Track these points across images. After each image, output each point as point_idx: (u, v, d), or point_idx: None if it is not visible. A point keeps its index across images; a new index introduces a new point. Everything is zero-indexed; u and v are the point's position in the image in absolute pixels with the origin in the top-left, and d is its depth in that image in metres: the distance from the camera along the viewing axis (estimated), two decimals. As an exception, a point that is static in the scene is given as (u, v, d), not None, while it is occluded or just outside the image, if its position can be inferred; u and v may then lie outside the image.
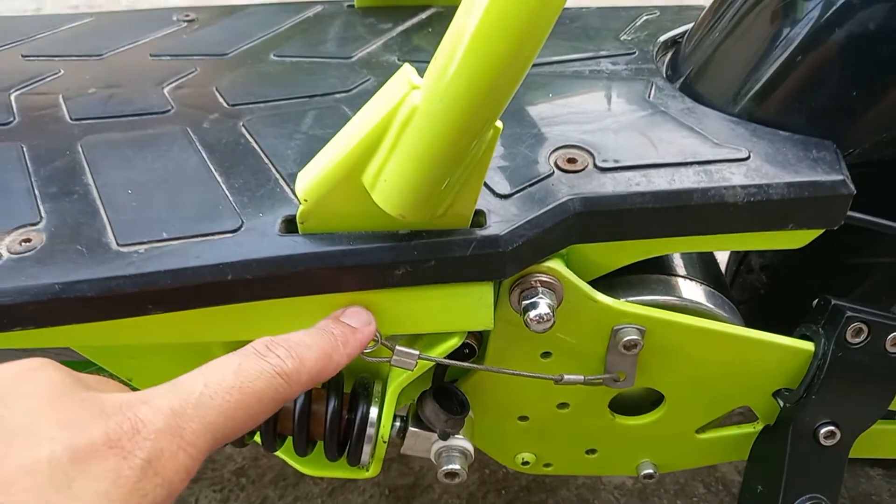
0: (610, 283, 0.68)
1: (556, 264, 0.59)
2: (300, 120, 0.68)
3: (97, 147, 0.66)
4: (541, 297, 0.58)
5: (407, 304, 0.57)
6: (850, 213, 0.59)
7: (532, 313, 0.58)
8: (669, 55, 0.78)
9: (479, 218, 0.56)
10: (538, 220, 0.56)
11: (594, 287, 0.62)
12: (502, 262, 0.55)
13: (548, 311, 0.58)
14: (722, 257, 0.95)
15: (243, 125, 0.68)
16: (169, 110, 0.71)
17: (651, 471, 0.77)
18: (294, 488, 0.99)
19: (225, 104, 0.72)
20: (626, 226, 0.58)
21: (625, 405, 0.75)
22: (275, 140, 0.65)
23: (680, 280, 0.70)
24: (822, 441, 0.67)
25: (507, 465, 0.78)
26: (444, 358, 0.62)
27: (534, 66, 0.76)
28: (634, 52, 0.77)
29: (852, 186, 0.58)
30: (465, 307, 0.58)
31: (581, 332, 0.63)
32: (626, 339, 0.62)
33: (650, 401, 0.74)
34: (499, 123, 0.49)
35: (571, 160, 0.61)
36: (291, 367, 0.43)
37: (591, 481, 1.00)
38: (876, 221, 0.62)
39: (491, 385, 0.70)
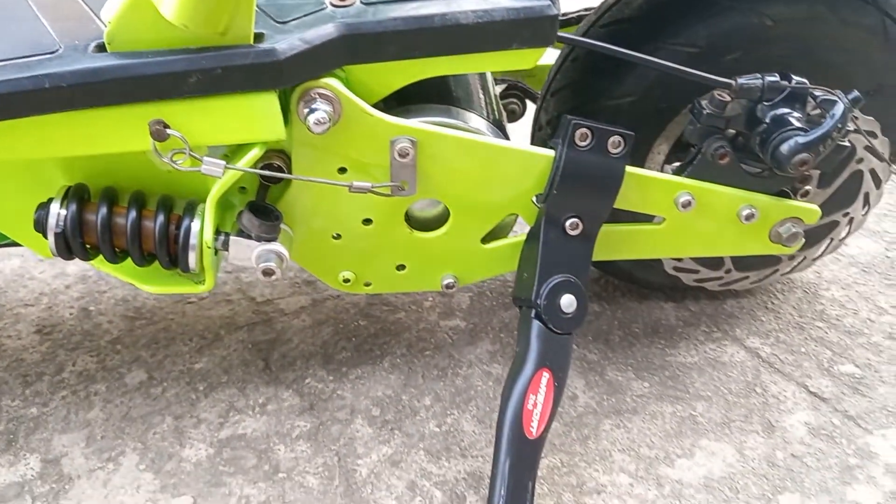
0: (399, 111, 0.83)
1: (332, 81, 0.73)
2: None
3: (-63, 7, 0.76)
4: (319, 105, 0.72)
5: (207, 113, 0.70)
6: (560, 34, 0.75)
7: (312, 118, 0.72)
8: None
9: (260, 38, 0.69)
10: (308, 38, 0.70)
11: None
12: (280, 70, 0.68)
13: (324, 115, 0.72)
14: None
15: (71, -13, 0.79)
16: (5, -20, 0.81)
17: (451, 281, 0.93)
18: (165, 349, 1.11)
19: (57, -26, 0.82)
20: (386, 46, 0.73)
21: (427, 230, 0.90)
22: (97, -5, 0.77)
23: (455, 109, 0.86)
24: (569, 231, 0.84)
25: (331, 284, 0.92)
26: (251, 167, 0.75)
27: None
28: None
29: (556, 9, 0.74)
30: (257, 116, 0.71)
31: (364, 144, 0.78)
32: (399, 146, 0.77)
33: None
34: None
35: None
36: None
37: (430, 326, 1.16)
38: (578, 40, 0.79)
39: (302, 204, 0.84)
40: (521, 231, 0.91)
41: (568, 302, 0.83)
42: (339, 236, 0.87)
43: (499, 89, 1.21)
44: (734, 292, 1.21)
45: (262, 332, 1.15)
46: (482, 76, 0.99)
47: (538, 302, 0.82)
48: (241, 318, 1.18)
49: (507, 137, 0.92)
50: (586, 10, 1.18)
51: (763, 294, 1.22)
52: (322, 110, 0.72)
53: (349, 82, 0.76)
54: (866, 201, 1.00)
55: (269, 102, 0.71)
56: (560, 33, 0.78)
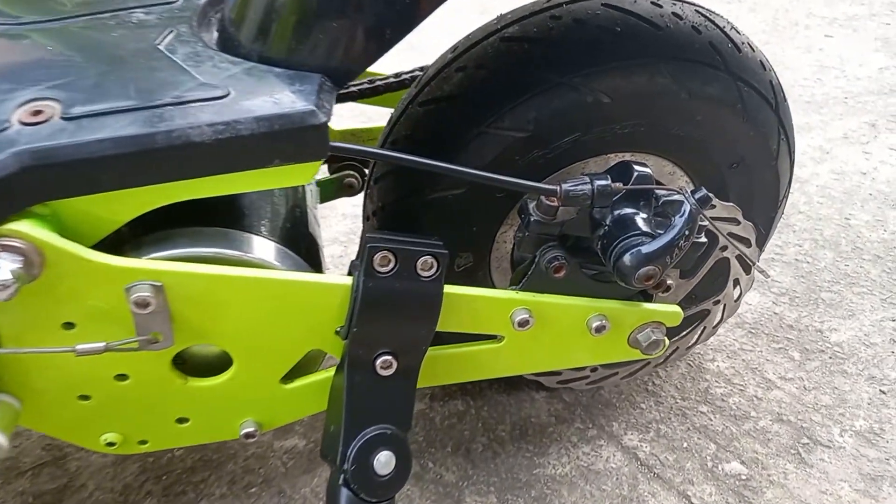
0: (147, 240, 0.65)
1: (21, 226, 0.54)
2: None
3: None
4: (1, 262, 0.53)
5: None
6: (335, 143, 0.59)
7: (-11, 281, 0.53)
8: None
9: None
10: (-30, 179, 0.51)
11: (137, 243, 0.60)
12: (-78, 229, 0.49)
13: (9, 276, 0.53)
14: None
15: None
16: None
17: (252, 429, 0.75)
18: (-81, 516, 0.89)
19: None
20: (94, 175, 0.55)
21: (212, 368, 0.72)
22: None
23: (231, 232, 0.68)
24: (380, 371, 0.68)
25: (96, 449, 0.73)
26: (-75, 344, 0.56)
27: (60, 18, 0.70)
28: (176, 2, 0.73)
29: (323, 116, 0.57)
30: (-89, 284, 0.52)
31: (89, 295, 0.59)
32: (135, 296, 0.59)
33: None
34: None
35: (37, 112, 0.56)
36: None
37: (262, 450, 0.98)
38: (355, 148, 0.63)
39: (25, 368, 0.64)
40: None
41: (385, 460, 0.67)
42: (87, 397, 0.68)
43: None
44: (611, 376, 1.08)
45: (51, 476, 0.94)
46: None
47: (345, 467, 0.66)
48: (27, 457, 0.96)
49: (313, 249, 0.75)
50: (421, 69, 1.03)
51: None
52: (6, 269, 0.53)
53: (59, 217, 0.57)
54: (737, 285, 0.89)
55: (-78, 267, 0.51)
56: (345, 144, 0.62)
